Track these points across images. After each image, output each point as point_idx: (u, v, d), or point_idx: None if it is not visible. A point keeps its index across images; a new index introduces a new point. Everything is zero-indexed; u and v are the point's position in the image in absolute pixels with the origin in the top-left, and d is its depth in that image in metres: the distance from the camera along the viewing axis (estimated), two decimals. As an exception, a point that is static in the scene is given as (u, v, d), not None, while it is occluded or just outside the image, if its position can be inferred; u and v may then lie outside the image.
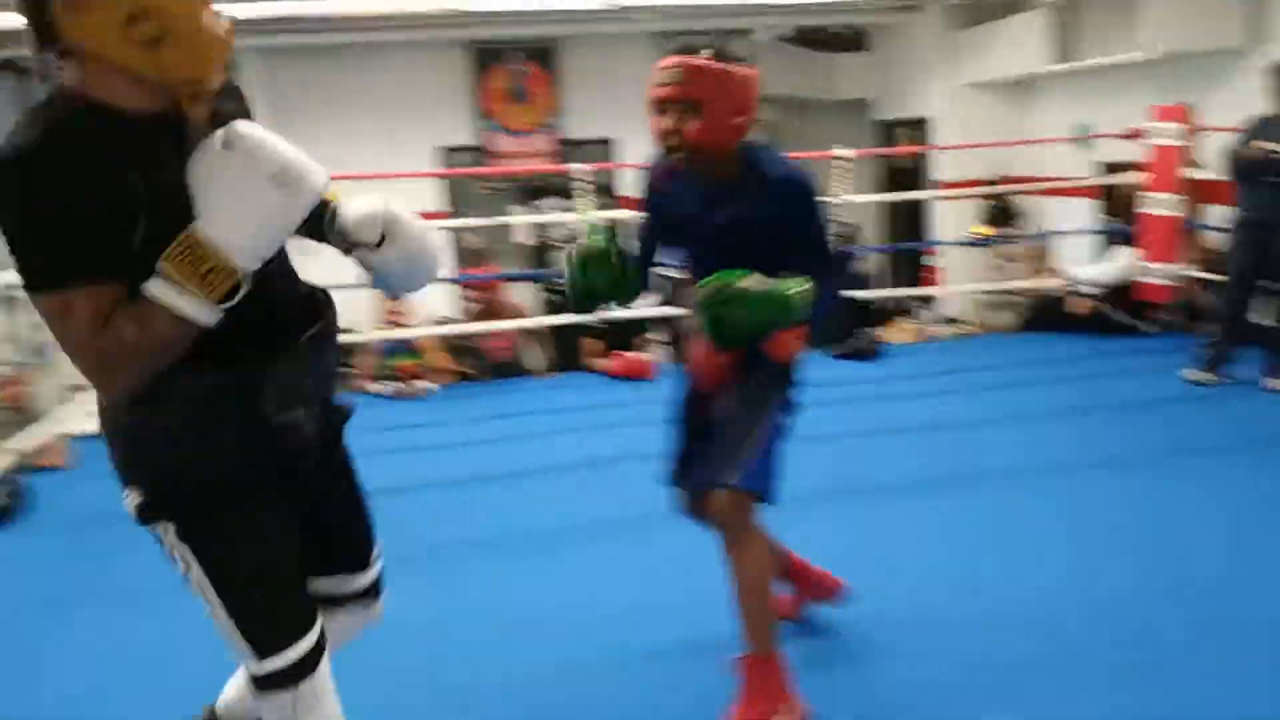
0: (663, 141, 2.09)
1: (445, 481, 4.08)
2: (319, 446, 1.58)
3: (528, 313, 6.16)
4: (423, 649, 2.61)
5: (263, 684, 1.52)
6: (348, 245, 1.54)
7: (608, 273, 2.18)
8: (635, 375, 5.56)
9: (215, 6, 1.36)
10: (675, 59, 2.06)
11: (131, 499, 1.48)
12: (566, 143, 8.43)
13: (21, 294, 1.72)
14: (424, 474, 4.16)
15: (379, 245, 1.52)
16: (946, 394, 5.04)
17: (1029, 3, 7.47)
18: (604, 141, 8.53)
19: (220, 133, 1.32)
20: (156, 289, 1.29)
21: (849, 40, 9.58)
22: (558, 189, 8.49)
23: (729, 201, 2.13)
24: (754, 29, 8.64)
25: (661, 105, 2.07)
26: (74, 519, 3.78)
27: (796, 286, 2.02)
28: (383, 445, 4.50)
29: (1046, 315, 6.30)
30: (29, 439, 4.04)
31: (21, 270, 1.29)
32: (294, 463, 1.54)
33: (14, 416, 4.06)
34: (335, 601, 1.71)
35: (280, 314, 1.49)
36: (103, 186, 1.27)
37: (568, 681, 2.44)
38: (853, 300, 6.04)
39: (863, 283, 6.94)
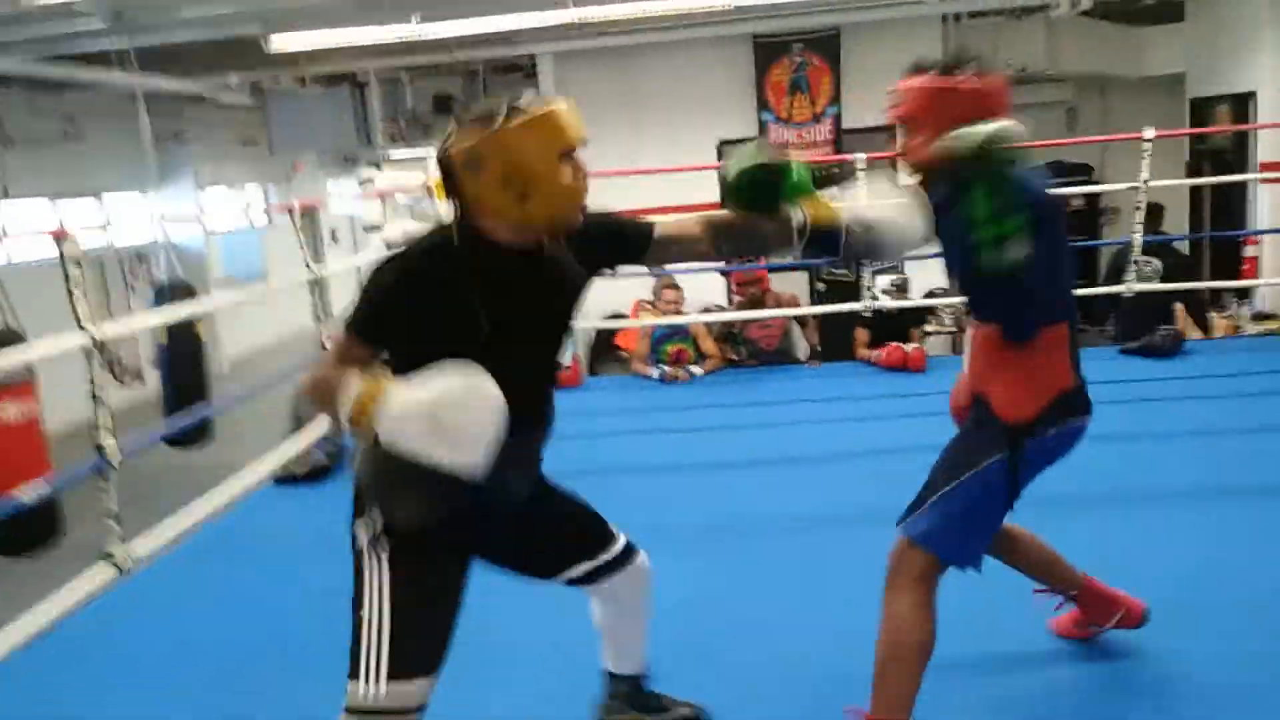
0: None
1: (696, 465, 4.25)
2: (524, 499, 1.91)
3: (796, 301, 6.22)
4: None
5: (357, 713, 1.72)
6: None
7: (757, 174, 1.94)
8: (905, 367, 5.50)
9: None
10: (901, 82, 2.14)
11: (362, 525, 1.80)
12: (847, 132, 8.38)
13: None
14: (679, 456, 4.36)
15: None
16: (1250, 396, 4.60)
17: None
18: (888, 129, 8.40)
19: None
20: (352, 379, 1.65)
21: (1159, 10, 8.84)
22: (837, 178, 8.47)
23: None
24: (1052, 4, 8.18)
25: (894, 127, 2.17)
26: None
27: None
28: (646, 425, 4.77)
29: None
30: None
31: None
32: (496, 511, 1.86)
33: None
34: (595, 576, 2.01)
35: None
36: (432, 295, 1.69)
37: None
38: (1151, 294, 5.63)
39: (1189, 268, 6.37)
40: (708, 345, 5.79)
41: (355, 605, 1.77)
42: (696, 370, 5.65)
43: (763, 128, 8.42)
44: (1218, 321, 6.63)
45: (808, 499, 3.73)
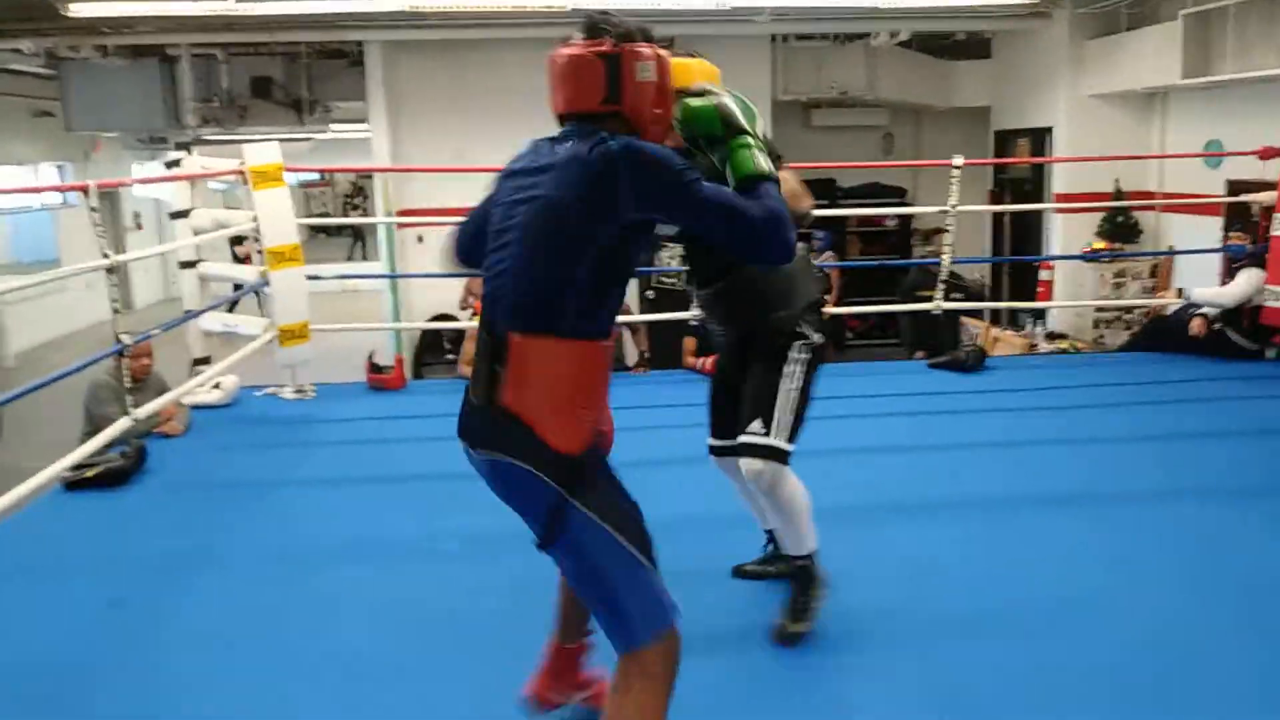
0: None
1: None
2: (732, 350, 2.71)
3: (627, 309, 6.24)
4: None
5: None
6: None
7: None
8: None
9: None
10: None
11: None
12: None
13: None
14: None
15: None
16: (1046, 410, 4.92)
17: (1163, 14, 7.22)
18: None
19: None
20: None
21: (970, 47, 9.40)
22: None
23: None
24: (872, 33, 8.56)
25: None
26: (189, 484, 4.02)
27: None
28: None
29: (1161, 335, 6.07)
30: (150, 407, 4.30)
31: None
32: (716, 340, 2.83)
33: (137, 387, 4.32)
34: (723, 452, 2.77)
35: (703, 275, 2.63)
36: None
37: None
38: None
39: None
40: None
41: None
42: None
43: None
44: (1015, 340, 7.08)
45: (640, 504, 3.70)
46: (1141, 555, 3.17)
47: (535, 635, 2.39)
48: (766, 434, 2.49)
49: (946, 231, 5.71)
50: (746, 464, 2.51)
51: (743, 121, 2.04)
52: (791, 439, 2.52)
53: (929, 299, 5.81)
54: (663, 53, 1.95)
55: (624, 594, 1.82)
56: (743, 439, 2.53)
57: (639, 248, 1.92)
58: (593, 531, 1.80)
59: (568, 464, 1.80)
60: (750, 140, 2.00)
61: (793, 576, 2.66)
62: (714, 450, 2.83)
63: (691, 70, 2.18)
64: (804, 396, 2.55)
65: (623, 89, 1.88)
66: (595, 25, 1.92)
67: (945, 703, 2.31)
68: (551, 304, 1.80)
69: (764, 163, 1.96)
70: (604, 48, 1.89)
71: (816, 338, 2.58)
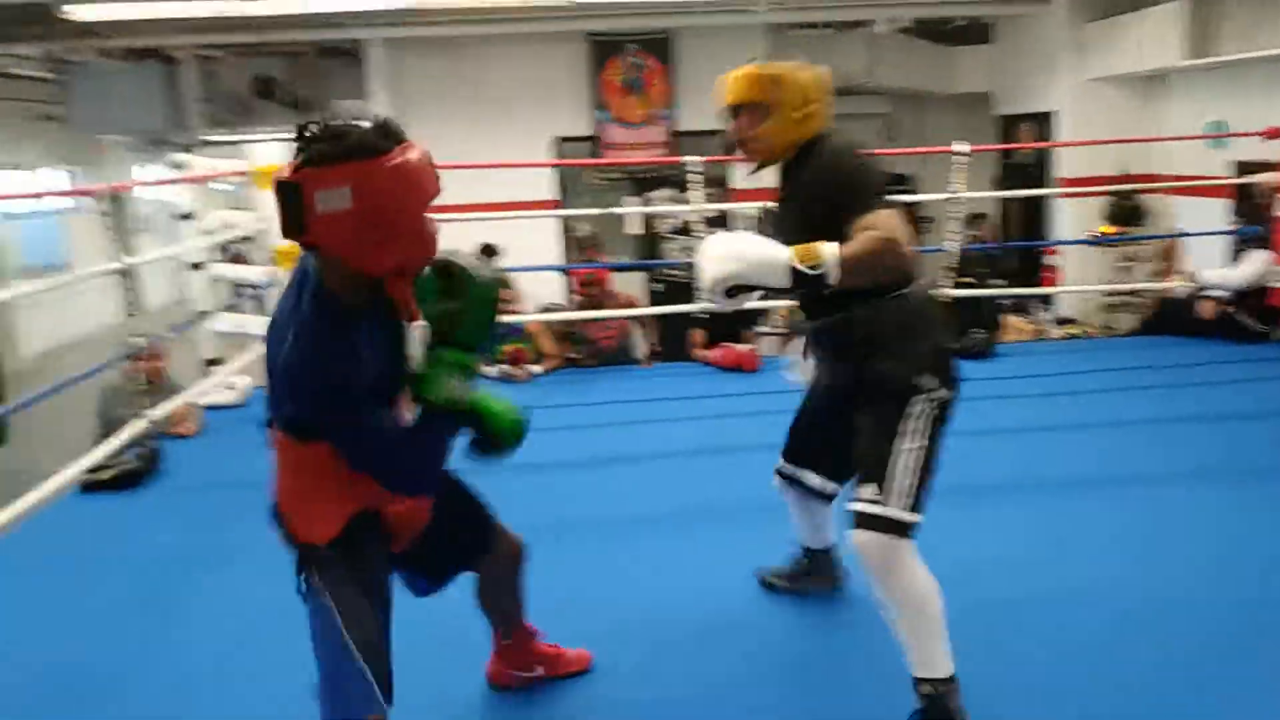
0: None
1: (534, 465, 4.19)
2: (832, 387, 2.44)
3: (635, 302, 6.25)
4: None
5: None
6: None
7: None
8: (739, 367, 5.61)
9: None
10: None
11: None
12: (680, 134, 8.49)
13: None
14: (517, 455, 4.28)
15: None
16: (1056, 396, 4.92)
17: (1164, -6, 7.19)
18: (718, 133, 8.56)
19: None
20: None
21: (970, 32, 9.38)
22: (670, 180, 8.57)
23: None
24: (872, 20, 8.54)
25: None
26: (204, 484, 4.05)
27: None
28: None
29: (1170, 318, 6.07)
30: (164, 409, 4.32)
31: None
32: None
33: (151, 389, 4.34)
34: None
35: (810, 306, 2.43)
36: None
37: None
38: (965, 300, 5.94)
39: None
40: (547, 345, 5.73)
41: None
42: (536, 369, 5.59)
43: (597, 127, 8.42)
44: (1024, 326, 7.08)
45: (647, 497, 3.73)
46: (1158, 538, 3.18)
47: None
48: (880, 502, 2.11)
49: (953, 219, 5.71)
50: (856, 537, 2.13)
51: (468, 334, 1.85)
52: (914, 508, 2.13)
53: (969, 285, 5.83)
54: (385, 168, 1.57)
55: (329, 675, 1.87)
56: (853, 506, 2.16)
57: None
58: (322, 615, 1.86)
59: (308, 552, 1.88)
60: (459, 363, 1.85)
61: (920, 709, 2.15)
62: (780, 473, 2.65)
63: (785, 81, 2.30)
64: (928, 457, 2.17)
65: (306, 223, 1.56)
66: (299, 136, 1.59)
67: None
68: (279, 401, 1.78)
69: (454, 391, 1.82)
70: (285, 174, 1.57)
71: (942, 392, 2.19)
